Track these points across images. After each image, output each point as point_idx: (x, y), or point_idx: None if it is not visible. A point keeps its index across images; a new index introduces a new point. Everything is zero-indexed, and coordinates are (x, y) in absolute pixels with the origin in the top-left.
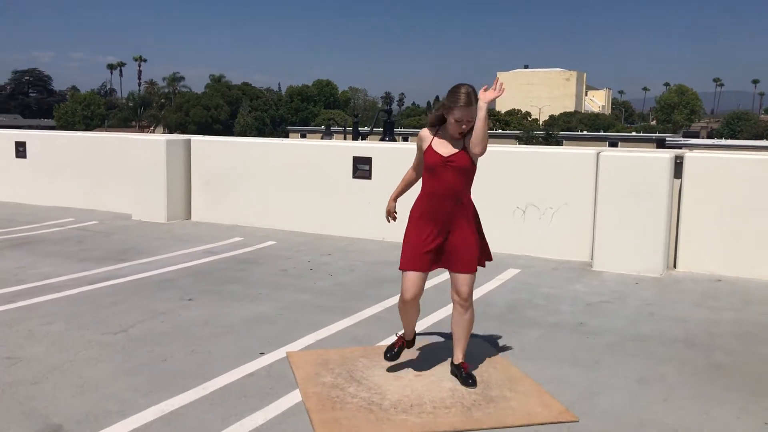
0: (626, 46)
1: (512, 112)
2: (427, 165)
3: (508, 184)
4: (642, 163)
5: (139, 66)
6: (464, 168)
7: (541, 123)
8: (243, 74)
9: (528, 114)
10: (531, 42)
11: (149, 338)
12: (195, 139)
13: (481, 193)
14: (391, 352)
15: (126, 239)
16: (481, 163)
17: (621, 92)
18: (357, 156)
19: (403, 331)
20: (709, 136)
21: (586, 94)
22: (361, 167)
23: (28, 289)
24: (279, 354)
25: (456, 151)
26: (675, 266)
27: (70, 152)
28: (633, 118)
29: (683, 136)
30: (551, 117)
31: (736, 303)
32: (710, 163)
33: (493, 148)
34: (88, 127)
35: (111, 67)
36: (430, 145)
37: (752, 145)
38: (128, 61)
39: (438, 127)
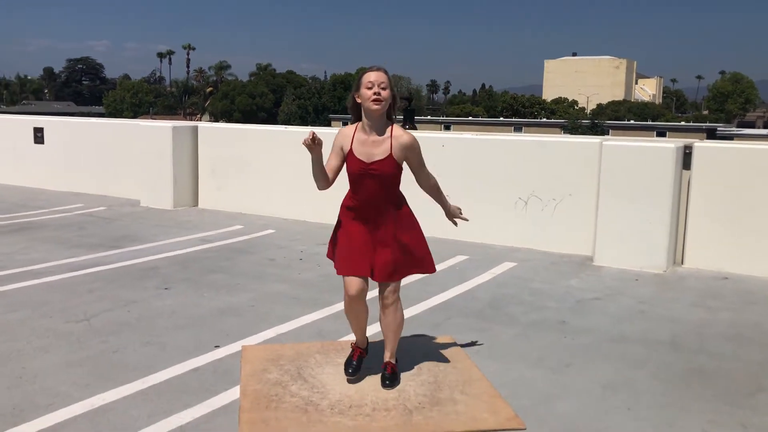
0: (680, 32)
1: (558, 101)
2: (348, 172)
3: (509, 174)
4: (645, 153)
5: (188, 54)
6: (387, 174)
7: (588, 112)
8: (289, 63)
9: (575, 102)
10: (580, 29)
11: (108, 328)
12: (202, 125)
13: (481, 183)
14: (351, 367)
15: (126, 226)
16: (482, 151)
17: (673, 81)
18: None
19: (355, 340)
20: (766, 126)
21: (636, 83)
22: None
23: (7, 275)
24: (235, 348)
25: (379, 157)
26: (682, 262)
27: (86, 138)
28: (685, 107)
29: (737, 126)
30: (599, 106)
31: (736, 303)
32: (722, 154)
33: (494, 136)
34: (135, 115)
35: (161, 55)
36: (350, 150)
37: None
38: (177, 49)
39: (357, 124)
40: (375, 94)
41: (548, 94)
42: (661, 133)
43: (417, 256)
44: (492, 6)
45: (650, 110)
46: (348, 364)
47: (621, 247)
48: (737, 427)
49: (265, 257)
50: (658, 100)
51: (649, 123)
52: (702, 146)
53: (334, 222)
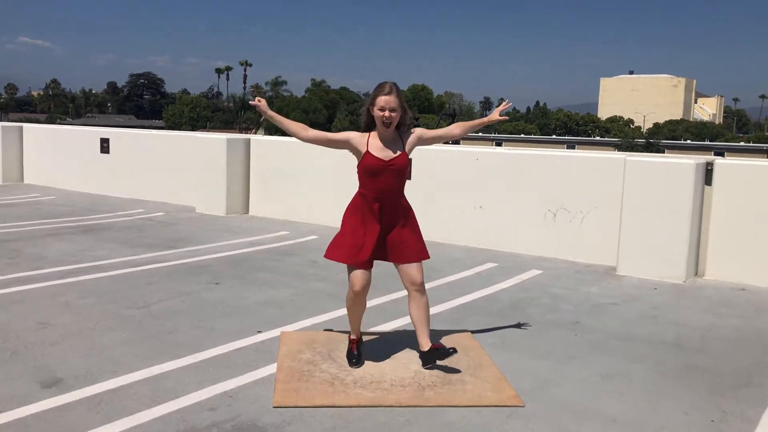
0: (742, 50)
1: (613, 119)
2: (367, 169)
3: (539, 188)
4: (666, 169)
5: (245, 70)
6: (403, 170)
7: (644, 131)
8: (344, 79)
9: (630, 121)
10: (637, 46)
11: (164, 314)
12: (254, 138)
13: (512, 197)
14: (354, 357)
15: (182, 229)
16: (514, 166)
17: (735, 100)
18: None
19: (353, 335)
20: None
21: (695, 102)
22: None
23: (79, 269)
24: (275, 333)
25: (395, 155)
26: (703, 274)
27: (147, 149)
28: (747, 127)
29: None
30: (655, 125)
31: (747, 311)
32: (741, 171)
33: (525, 151)
34: (193, 128)
35: (219, 71)
36: (368, 151)
37: None
38: (235, 65)
39: (368, 132)
40: (386, 117)
41: (603, 113)
42: (719, 153)
43: (422, 243)
44: (548, 24)
45: (709, 130)
46: (350, 355)
47: (643, 257)
48: (717, 413)
49: (307, 259)
50: (719, 120)
51: (706, 143)
52: (723, 163)
53: None
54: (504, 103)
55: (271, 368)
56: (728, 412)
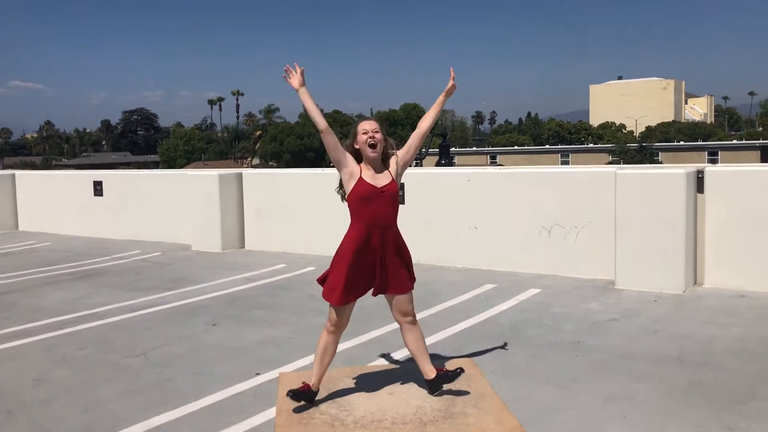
0: (729, 48)
1: (605, 125)
2: (361, 195)
3: (532, 205)
4: (657, 180)
5: (237, 100)
6: (395, 195)
7: (637, 135)
8: (336, 102)
9: (622, 126)
10: (625, 52)
11: (163, 361)
12: (246, 172)
13: (506, 215)
14: (293, 393)
15: (179, 269)
16: (506, 184)
17: (725, 98)
18: None
19: (314, 379)
20: None
21: (686, 103)
22: None
23: (76, 318)
24: (273, 374)
25: (386, 182)
26: (702, 282)
27: (140, 189)
28: (739, 125)
29: None
30: (647, 128)
31: (749, 318)
32: (732, 177)
33: (515, 170)
34: (188, 161)
35: (211, 102)
36: (361, 177)
37: None
38: (227, 95)
39: (359, 164)
40: (370, 138)
41: (595, 120)
42: (713, 153)
43: (411, 272)
44: (535, 34)
45: (701, 130)
46: (297, 395)
47: (640, 270)
48: (723, 430)
49: (305, 293)
50: (710, 119)
51: (700, 143)
52: (714, 170)
53: None
54: (451, 71)
55: (270, 413)
56: (735, 429)
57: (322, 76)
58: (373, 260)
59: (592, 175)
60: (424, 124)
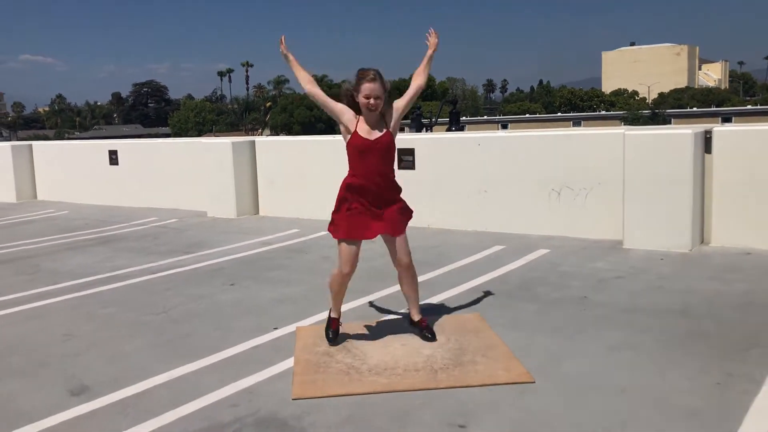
0: (745, 12)
1: (618, 92)
2: (355, 148)
3: (542, 168)
4: (665, 140)
5: (247, 71)
6: (388, 147)
7: (650, 101)
8: (345, 72)
9: (635, 93)
10: (637, 17)
11: (182, 318)
12: (258, 140)
13: (516, 178)
14: (332, 334)
15: (195, 234)
16: (516, 148)
17: (740, 63)
18: (401, 148)
19: (335, 314)
20: None
21: (700, 69)
22: (405, 158)
23: (99, 279)
24: (290, 329)
25: (380, 134)
26: (710, 241)
27: (155, 157)
28: (754, 90)
29: None
30: (660, 95)
31: (753, 275)
32: (739, 137)
33: (525, 133)
34: (199, 133)
35: (221, 74)
36: (355, 131)
37: None
38: (237, 67)
39: (357, 116)
40: (371, 105)
41: (607, 86)
42: (727, 119)
43: (406, 216)
44: (546, 0)
45: (715, 96)
46: (328, 331)
47: (648, 229)
48: (723, 376)
49: (319, 255)
50: (724, 85)
51: (713, 109)
52: (721, 130)
53: None
54: (430, 31)
55: (289, 363)
56: (734, 374)
57: (331, 47)
58: (369, 202)
59: (601, 137)
60: (419, 79)
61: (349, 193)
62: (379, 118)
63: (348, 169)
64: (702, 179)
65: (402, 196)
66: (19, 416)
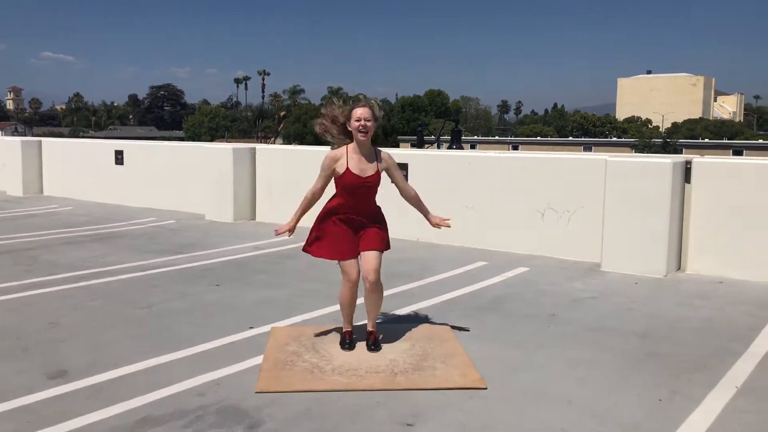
0: (764, 46)
1: (631, 120)
2: (346, 187)
3: (528, 189)
4: (645, 168)
5: (263, 80)
6: (376, 186)
7: (662, 130)
8: (360, 86)
9: (648, 121)
10: (655, 45)
11: (164, 313)
12: (259, 147)
13: (503, 198)
14: (347, 344)
15: (191, 236)
16: (504, 168)
17: (756, 97)
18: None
19: (347, 328)
20: None
21: (715, 100)
22: None
23: (91, 273)
24: (266, 329)
25: (372, 173)
26: (685, 268)
27: (159, 160)
28: None
29: None
30: (674, 124)
31: (719, 303)
32: (717, 168)
33: (514, 155)
34: (212, 138)
35: (237, 81)
36: (348, 168)
37: None
38: (254, 75)
39: (346, 146)
40: (362, 126)
41: (621, 113)
42: (738, 152)
43: (386, 238)
44: (565, 25)
45: (728, 128)
46: (343, 342)
47: (625, 254)
48: (666, 393)
49: (309, 262)
50: (739, 118)
51: (725, 141)
52: (701, 161)
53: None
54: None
55: (259, 359)
56: (677, 393)
57: (348, 60)
58: (351, 231)
59: (585, 162)
60: (411, 193)
61: (332, 219)
62: (372, 151)
63: (334, 192)
64: (681, 208)
65: (394, 207)
66: None
